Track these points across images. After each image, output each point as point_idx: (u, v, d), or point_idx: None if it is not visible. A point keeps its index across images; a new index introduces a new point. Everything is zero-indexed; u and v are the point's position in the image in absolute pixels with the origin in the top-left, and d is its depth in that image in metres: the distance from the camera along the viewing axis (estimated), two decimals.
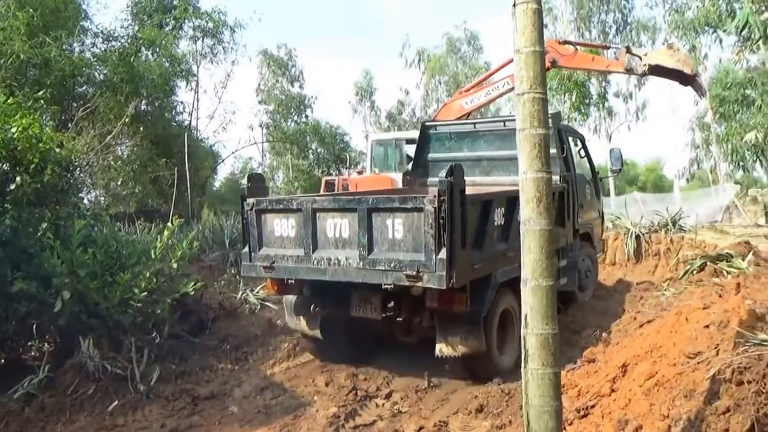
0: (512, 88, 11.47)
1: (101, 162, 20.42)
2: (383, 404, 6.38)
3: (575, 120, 24.82)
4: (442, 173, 5.86)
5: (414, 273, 5.84)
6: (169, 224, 7.80)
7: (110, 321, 7.02)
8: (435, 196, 5.75)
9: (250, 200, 6.95)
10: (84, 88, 20.10)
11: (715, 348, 4.67)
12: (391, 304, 6.81)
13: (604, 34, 29.21)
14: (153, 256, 7.41)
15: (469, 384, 6.76)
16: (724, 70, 22.22)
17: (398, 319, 6.87)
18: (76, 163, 9.21)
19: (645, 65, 10.24)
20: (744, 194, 19.26)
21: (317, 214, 6.50)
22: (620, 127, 30.38)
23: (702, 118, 26.72)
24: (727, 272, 7.74)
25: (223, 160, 29.90)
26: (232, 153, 29.17)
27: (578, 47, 11.36)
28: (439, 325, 6.59)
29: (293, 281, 7.12)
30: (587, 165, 10.65)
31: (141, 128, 22.37)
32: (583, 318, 8.37)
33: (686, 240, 12.32)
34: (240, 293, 10.02)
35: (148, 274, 7.25)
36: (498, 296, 6.77)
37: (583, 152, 10.42)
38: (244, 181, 7.29)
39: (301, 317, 7.46)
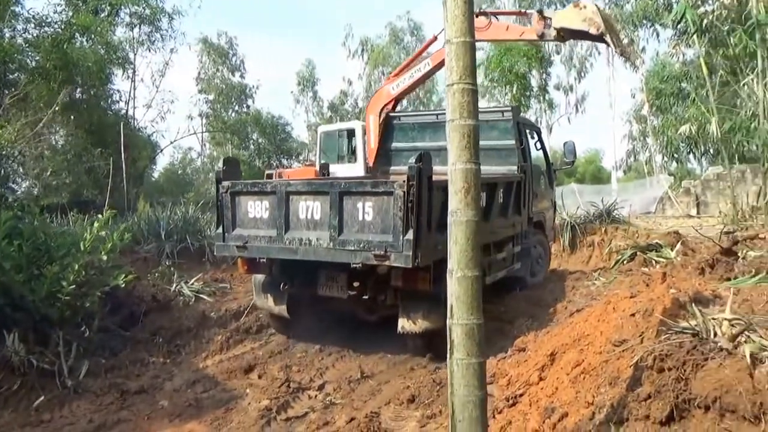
0: (434, 69, 11.41)
1: (33, 151, 19.84)
2: (316, 396, 6.34)
3: None
4: (412, 160, 6.13)
5: (382, 252, 6.20)
6: (100, 215, 7.56)
7: (37, 314, 6.79)
8: (404, 181, 6.07)
9: (226, 183, 7.23)
10: (15, 74, 19.35)
11: (640, 336, 4.79)
12: (357, 283, 7.09)
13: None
14: (82, 248, 7.17)
15: (401, 374, 6.80)
16: (661, 64, 22.79)
17: (363, 297, 7.13)
18: (3, 152, 8.87)
19: (554, 29, 9.87)
20: (677, 186, 19.82)
21: (290, 197, 6.82)
22: (560, 119, 30.90)
23: (639, 110, 27.35)
24: (656, 262, 7.96)
25: (161, 150, 29.34)
26: (171, 143, 28.64)
27: (494, 17, 10.94)
28: (402, 302, 6.93)
29: (264, 261, 7.42)
30: (542, 156, 10.96)
31: (75, 117, 21.79)
32: (517, 307, 8.49)
33: (620, 230, 12.60)
34: (174, 285, 9.81)
35: (77, 267, 7.02)
36: None
37: (539, 144, 10.69)
38: (220, 164, 7.56)
39: (269, 296, 7.81)
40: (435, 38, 10.75)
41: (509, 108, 9.66)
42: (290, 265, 7.26)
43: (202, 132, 31.62)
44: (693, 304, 4.51)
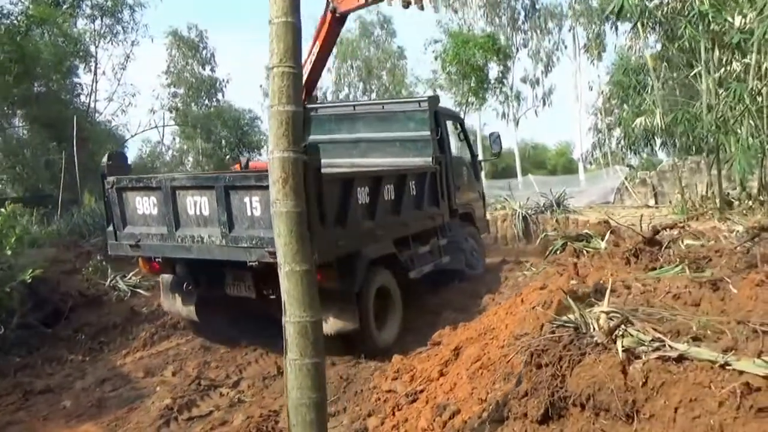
0: (321, 51, 10.67)
1: None
2: (228, 393, 6.15)
3: (472, 105, 24.89)
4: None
5: (275, 249, 5.76)
6: (2, 209, 7.31)
7: None
8: None
9: (111, 178, 6.90)
10: None
11: (541, 329, 4.65)
12: (263, 282, 6.73)
13: (514, 21, 29.42)
14: None
15: None
16: (619, 56, 22.71)
17: (271, 297, 6.73)
18: None
19: None
20: (633, 176, 19.80)
21: (177, 192, 6.48)
22: (527, 112, 30.75)
23: (602, 103, 27.30)
24: (586, 252, 7.83)
25: (124, 144, 28.95)
26: (132, 136, 28.26)
27: None
28: None
29: (161, 260, 7.01)
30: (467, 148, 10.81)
31: (33, 110, 21.42)
32: (450, 299, 8.36)
33: (571, 220, 12.54)
34: (109, 280, 9.57)
35: None
36: (372, 273, 6.93)
37: (462, 135, 10.56)
38: (104, 159, 7.15)
39: (177, 297, 7.46)
40: (324, 21, 10.40)
41: (425, 98, 9.50)
42: (194, 264, 6.93)
43: (164, 126, 31.20)
44: (568, 297, 4.36)
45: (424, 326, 7.04)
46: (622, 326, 3.87)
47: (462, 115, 25.25)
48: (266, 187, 5.88)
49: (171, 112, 32.88)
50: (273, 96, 2.89)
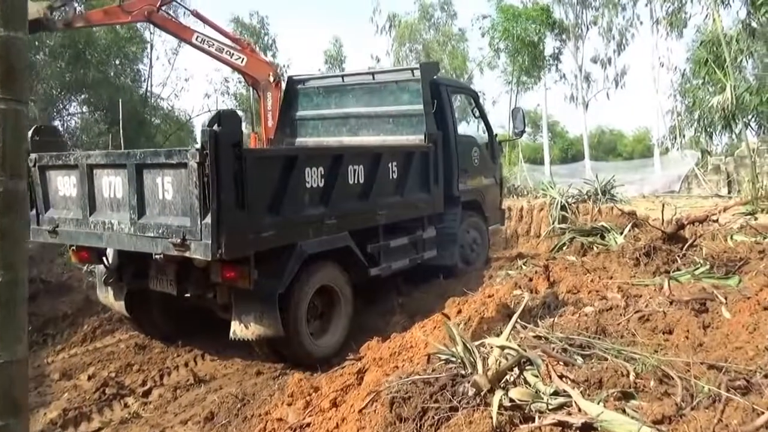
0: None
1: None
2: (132, 404, 5.25)
3: (524, 84, 23.00)
4: (205, 121, 4.89)
5: (180, 241, 4.93)
6: None
7: None
8: (197, 150, 4.76)
9: (33, 155, 6.11)
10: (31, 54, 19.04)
11: (427, 362, 3.46)
12: (188, 277, 5.80)
13: None
14: None
15: (239, 380, 5.62)
16: (699, 29, 20.38)
17: (186, 294, 5.89)
18: None
19: None
20: (706, 162, 17.70)
21: (94, 171, 5.66)
22: (598, 94, 28.32)
23: (683, 84, 24.77)
24: (596, 248, 6.51)
25: (180, 128, 28.99)
26: (187, 122, 28.32)
27: None
28: (234, 302, 5.62)
29: (87, 249, 6.24)
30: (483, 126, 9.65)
31: (90, 95, 21.60)
32: (420, 300, 7.13)
33: (615, 210, 11.03)
34: (86, 266, 8.87)
35: None
36: (310, 270, 5.86)
37: (477, 112, 9.46)
38: (29, 133, 6.25)
39: (109, 290, 6.60)
40: None
41: (418, 66, 8.27)
42: (122, 255, 6.08)
43: (218, 111, 31.44)
44: (449, 327, 3.15)
45: (375, 333, 5.78)
46: (516, 369, 2.67)
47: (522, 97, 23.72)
48: (176, 166, 4.91)
49: (224, 96, 32.74)
50: None
